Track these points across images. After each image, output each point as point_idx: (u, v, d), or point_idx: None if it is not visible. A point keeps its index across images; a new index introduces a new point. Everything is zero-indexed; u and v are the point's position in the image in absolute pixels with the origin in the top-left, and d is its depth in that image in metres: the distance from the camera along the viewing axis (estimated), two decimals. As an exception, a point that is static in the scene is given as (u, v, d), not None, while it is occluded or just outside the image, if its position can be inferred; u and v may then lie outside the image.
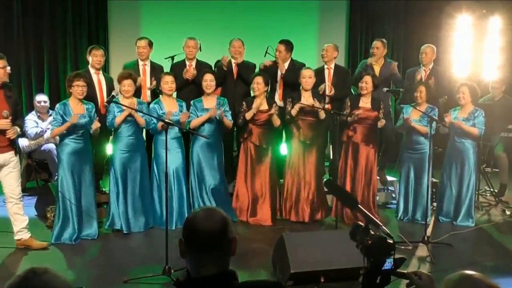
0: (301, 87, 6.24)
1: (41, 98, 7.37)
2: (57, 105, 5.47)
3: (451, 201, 6.35)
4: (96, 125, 5.46)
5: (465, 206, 6.26)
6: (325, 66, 6.90)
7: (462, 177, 6.25)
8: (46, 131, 7.02)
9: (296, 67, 6.66)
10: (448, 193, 6.37)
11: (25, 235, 5.21)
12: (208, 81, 6.07)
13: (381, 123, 6.14)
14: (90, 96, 5.85)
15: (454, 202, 6.32)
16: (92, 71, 6.28)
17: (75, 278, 4.57)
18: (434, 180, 6.87)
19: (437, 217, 6.43)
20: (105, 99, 6.22)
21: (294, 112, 6.05)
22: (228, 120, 6.15)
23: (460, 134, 6.20)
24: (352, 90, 7.03)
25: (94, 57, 6.26)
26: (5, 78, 4.89)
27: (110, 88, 6.40)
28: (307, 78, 6.14)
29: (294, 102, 6.10)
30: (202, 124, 6.07)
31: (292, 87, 6.66)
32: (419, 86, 6.21)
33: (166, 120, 4.89)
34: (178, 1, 9.15)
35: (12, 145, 5.02)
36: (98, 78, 6.30)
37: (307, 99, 6.11)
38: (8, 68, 4.90)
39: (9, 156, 4.99)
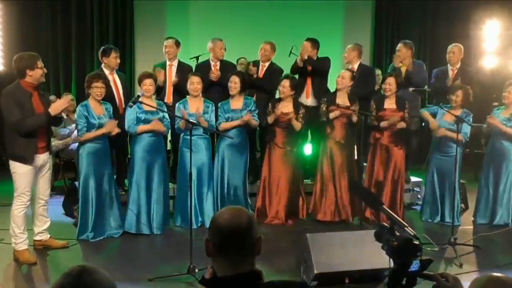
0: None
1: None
2: (79, 107, 5.50)
3: (488, 202, 6.28)
4: (116, 130, 5.51)
5: (503, 207, 6.18)
6: (349, 66, 6.91)
7: (499, 178, 6.18)
8: (73, 131, 7.13)
9: (320, 61, 6.74)
10: (485, 194, 6.30)
11: (45, 237, 5.26)
12: (233, 83, 6.09)
13: (400, 125, 6.05)
14: (108, 97, 5.90)
15: (491, 203, 6.25)
16: (106, 71, 6.23)
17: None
18: (461, 181, 6.79)
19: (474, 218, 6.37)
20: (122, 99, 6.28)
21: (332, 116, 6.06)
22: (254, 121, 6.16)
23: (501, 134, 6.14)
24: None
25: (115, 59, 6.25)
26: (42, 79, 4.94)
27: (125, 86, 6.46)
28: (340, 78, 6.15)
29: (328, 104, 6.12)
30: (227, 121, 6.11)
31: (320, 77, 6.70)
32: (457, 90, 6.09)
33: (190, 120, 4.92)
34: (203, 2, 9.20)
35: (49, 146, 5.10)
36: (113, 78, 6.29)
37: (342, 99, 6.10)
38: (44, 69, 4.96)
39: (47, 157, 5.07)
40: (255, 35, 7.18)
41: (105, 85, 5.51)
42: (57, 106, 4.84)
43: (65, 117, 5.11)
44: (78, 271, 1.45)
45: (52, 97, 4.89)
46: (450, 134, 5.98)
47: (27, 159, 4.80)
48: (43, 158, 4.98)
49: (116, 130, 5.52)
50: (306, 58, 6.60)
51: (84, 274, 1.45)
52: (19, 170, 4.83)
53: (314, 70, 6.75)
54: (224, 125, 6.08)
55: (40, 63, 4.85)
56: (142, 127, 5.65)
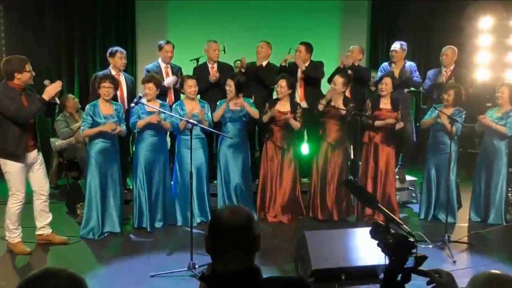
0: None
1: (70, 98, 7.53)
2: (87, 106, 5.56)
3: (480, 200, 6.31)
4: (118, 129, 5.52)
5: (496, 205, 6.21)
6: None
7: (491, 177, 6.21)
8: (75, 131, 7.12)
9: (314, 65, 6.74)
10: (478, 192, 6.34)
11: (47, 231, 5.31)
12: (228, 86, 6.08)
13: (399, 125, 6.07)
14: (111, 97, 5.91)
15: (483, 201, 6.28)
16: (113, 72, 6.28)
17: (101, 273, 4.65)
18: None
19: (469, 216, 6.39)
20: (126, 99, 6.28)
21: (321, 107, 6.09)
22: (254, 110, 6.14)
23: (493, 134, 6.16)
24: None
25: (120, 60, 6.28)
26: (30, 81, 4.96)
27: (130, 88, 6.45)
28: (333, 85, 6.17)
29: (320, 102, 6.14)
30: (227, 121, 6.12)
31: (313, 83, 6.68)
32: (449, 90, 6.10)
33: (190, 121, 4.94)
34: (203, 4, 9.19)
35: (37, 144, 5.13)
36: (119, 79, 6.26)
37: (336, 101, 6.12)
38: (32, 72, 4.96)
39: (36, 154, 5.11)
40: (254, 37, 7.16)
41: (113, 85, 5.54)
42: (50, 90, 4.86)
43: (58, 102, 5.13)
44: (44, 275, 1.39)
45: (46, 82, 4.93)
46: (445, 122, 5.88)
47: (19, 156, 4.86)
48: (32, 156, 5.04)
49: (118, 129, 5.52)
50: (304, 69, 6.63)
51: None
52: (10, 169, 4.89)
53: (307, 77, 6.74)
54: (215, 115, 6.08)
55: (28, 67, 4.86)
56: (140, 122, 5.68)
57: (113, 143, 5.60)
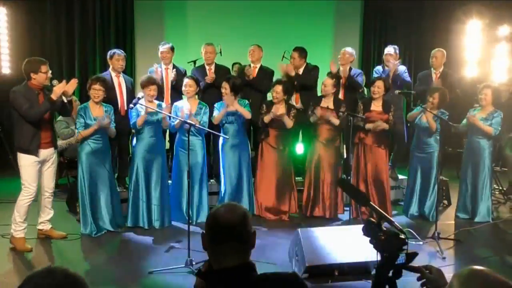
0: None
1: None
2: (78, 108, 5.56)
3: (467, 198, 6.32)
4: (107, 120, 5.42)
5: (482, 202, 6.21)
6: (341, 69, 6.90)
7: (477, 175, 6.22)
8: (75, 131, 7.10)
9: (309, 69, 6.75)
10: (464, 190, 6.34)
11: (46, 226, 5.38)
12: (224, 89, 6.06)
13: (383, 126, 6.05)
14: (110, 98, 5.89)
15: (470, 199, 6.29)
16: (113, 74, 6.27)
17: (102, 270, 4.63)
18: (443, 178, 6.81)
19: (456, 214, 6.39)
20: (125, 101, 6.26)
21: (314, 118, 6.10)
22: (247, 111, 6.10)
23: (477, 133, 6.16)
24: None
25: (117, 62, 6.25)
26: (46, 82, 5.04)
27: (130, 89, 6.42)
28: (323, 86, 6.19)
29: (315, 107, 6.11)
30: (224, 123, 6.10)
31: (308, 88, 6.67)
32: (434, 93, 6.10)
33: (188, 121, 4.92)
34: (201, 6, 9.16)
35: (53, 142, 5.18)
36: (118, 81, 6.30)
37: (327, 103, 6.11)
38: (49, 72, 5.04)
39: (51, 152, 5.15)
40: (250, 38, 7.16)
41: (104, 88, 5.50)
42: (56, 89, 4.94)
43: (65, 101, 5.16)
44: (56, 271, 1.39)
45: (54, 82, 4.99)
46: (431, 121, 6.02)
47: (31, 151, 4.94)
48: (47, 152, 5.10)
49: (108, 121, 5.45)
50: (293, 74, 6.60)
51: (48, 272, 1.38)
52: (24, 162, 4.98)
53: (301, 84, 6.73)
54: (216, 117, 6.06)
55: (44, 68, 4.95)
56: (139, 120, 5.65)
57: (103, 143, 5.57)
